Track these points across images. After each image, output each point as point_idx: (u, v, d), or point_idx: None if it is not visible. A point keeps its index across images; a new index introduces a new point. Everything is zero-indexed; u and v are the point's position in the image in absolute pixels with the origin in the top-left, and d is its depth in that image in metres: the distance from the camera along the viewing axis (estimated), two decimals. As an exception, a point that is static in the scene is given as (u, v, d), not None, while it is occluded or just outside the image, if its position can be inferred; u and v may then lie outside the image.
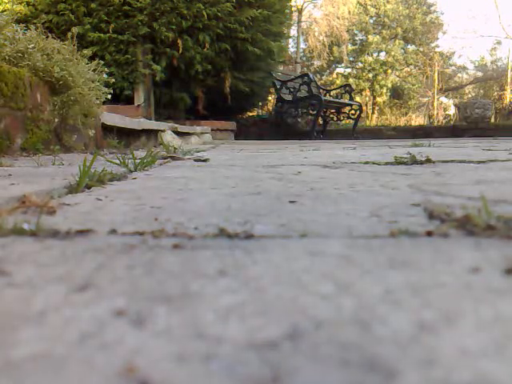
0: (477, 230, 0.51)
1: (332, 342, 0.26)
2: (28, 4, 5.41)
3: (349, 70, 15.60)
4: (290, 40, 12.43)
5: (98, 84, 2.80)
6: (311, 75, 7.26)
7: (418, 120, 13.62)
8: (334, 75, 15.75)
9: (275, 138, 6.80)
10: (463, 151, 2.20)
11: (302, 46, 14.93)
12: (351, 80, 14.25)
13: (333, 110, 7.62)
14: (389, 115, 14.17)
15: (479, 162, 1.46)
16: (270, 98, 9.45)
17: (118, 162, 1.31)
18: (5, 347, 0.26)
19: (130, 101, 5.69)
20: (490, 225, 0.51)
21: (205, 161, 1.70)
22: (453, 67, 17.65)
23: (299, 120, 7.82)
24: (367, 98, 14.72)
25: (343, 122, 7.88)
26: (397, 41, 14.94)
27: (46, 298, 0.33)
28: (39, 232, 0.52)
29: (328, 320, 0.29)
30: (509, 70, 13.11)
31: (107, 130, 3.13)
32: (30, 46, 2.31)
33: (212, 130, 6.12)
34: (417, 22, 15.15)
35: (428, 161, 1.42)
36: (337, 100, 7.60)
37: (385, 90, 14.57)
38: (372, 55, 15.11)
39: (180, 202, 0.75)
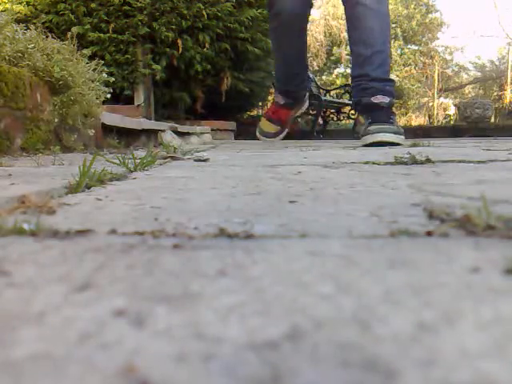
0: (477, 229, 0.51)
1: (332, 342, 0.26)
2: (28, 4, 5.40)
3: (349, 70, 15.59)
4: (290, 40, 12.40)
5: (98, 84, 2.80)
6: (311, 75, 7.26)
7: (418, 120, 13.60)
8: (334, 75, 15.74)
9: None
10: (463, 151, 2.20)
11: (302, 45, 14.92)
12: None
13: (333, 110, 7.62)
14: (389, 115, 14.11)
15: (479, 162, 1.45)
16: (269, 98, 9.46)
17: (117, 161, 1.31)
18: (5, 347, 0.26)
19: (130, 101, 5.69)
20: (490, 225, 0.51)
21: (205, 161, 1.70)
22: (453, 67, 17.64)
23: (299, 120, 7.83)
24: (367, 98, 14.69)
25: (343, 121, 7.88)
26: (396, 42, 14.95)
27: (46, 297, 0.33)
28: (39, 232, 0.52)
29: (328, 320, 0.29)
30: (509, 70, 13.11)
31: (107, 129, 3.13)
32: (30, 46, 2.31)
33: (212, 129, 6.12)
34: (416, 22, 15.15)
35: (428, 161, 1.42)
36: (337, 100, 7.60)
37: (385, 90, 14.54)
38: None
39: (180, 202, 0.75)
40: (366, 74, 2.73)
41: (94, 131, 2.81)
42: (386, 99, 2.71)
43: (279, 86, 3.31)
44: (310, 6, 3.25)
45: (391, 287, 0.35)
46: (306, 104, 3.56)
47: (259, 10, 5.94)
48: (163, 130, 4.15)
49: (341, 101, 7.53)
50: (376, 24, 2.69)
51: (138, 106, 5.62)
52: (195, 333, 0.28)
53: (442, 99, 16.22)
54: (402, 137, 2.65)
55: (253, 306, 0.31)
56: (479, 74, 18.16)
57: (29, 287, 0.36)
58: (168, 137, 4.04)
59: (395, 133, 2.58)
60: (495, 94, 15.56)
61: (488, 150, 2.20)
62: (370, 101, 2.70)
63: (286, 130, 3.44)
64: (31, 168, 1.36)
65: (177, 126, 4.62)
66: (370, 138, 2.54)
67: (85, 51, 2.84)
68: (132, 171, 1.28)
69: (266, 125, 3.29)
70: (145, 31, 5.50)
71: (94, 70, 2.82)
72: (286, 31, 3.08)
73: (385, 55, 2.76)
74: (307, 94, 3.58)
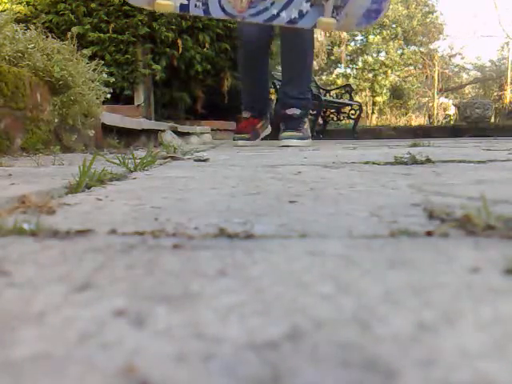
0: (477, 229, 0.51)
1: (332, 342, 0.26)
2: (28, 4, 5.40)
3: (349, 70, 15.60)
4: (290, 40, 12.39)
5: (98, 84, 2.80)
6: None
7: (418, 120, 13.61)
8: (334, 75, 15.74)
9: (275, 137, 6.79)
10: (463, 151, 2.20)
11: (302, 46, 14.93)
12: (351, 80, 14.25)
13: (333, 110, 7.61)
14: (389, 115, 14.15)
15: (479, 162, 1.45)
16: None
17: (117, 161, 1.31)
18: (4, 347, 0.26)
19: (130, 101, 5.68)
20: (490, 225, 0.51)
21: (205, 161, 1.70)
22: (453, 67, 17.64)
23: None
24: (367, 98, 14.71)
25: (343, 121, 7.87)
26: (396, 42, 14.95)
27: (46, 297, 0.33)
28: (39, 232, 0.52)
29: (328, 320, 0.29)
30: (509, 70, 13.11)
31: (107, 130, 3.13)
32: (30, 46, 2.31)
33: (212, 129, 6.12)
34: (416, 22, 15.16)
35: (428, 161, 1.42)
36: (337, 100, 7.59)
37: (385, 91, 14.57)
38: (372, 56, 15.11)
39: (180, 202, 0.75)
40: (286, 92, 3.63)
41: (93, 131, 2.81)
42: (297, 111, 3.53)
43: (246, 103, 3.93)
44: (273, 33, 3.91)
45: (391, 287, 0.35)
46: (269, 129, 4.07)
47: (259, 10, 5.94)
48: (163, 130, 4.15)
49: (341, 101, 7.52)
50: (297, 56, 3.54)
51: (138, 105, 5.61)
52: (195, 333, 0.28)
53: (442, 99, 16.23)
54: (307, 141, 3.48)
55: (253, 305, 0.31)
56: (479, 74, 18.17)
57: (29, 287, 0.36)
58: (168, 137, 4.04)
59: (300, 138, 3.42)
60: (495, 94, 15.56)
61: (488, 150, 2.20)
62: (285, 113, 3.58)
63: (260, 136, 3.94)
64: (31, 168, 1.36)
65: (177, 126, 4.62)
66: (280, 143, 3.42)
67: (85, 51, 2.84)
68: (132, 171, 1.28)
69: (238, 136, 3.84)
70: (145, 31, 5.50)
71: (94, 70, 2.82)
72: (252, 57, 3.69)
73: (302, 79, 3.63)
74: (268, 121, 4.09)
